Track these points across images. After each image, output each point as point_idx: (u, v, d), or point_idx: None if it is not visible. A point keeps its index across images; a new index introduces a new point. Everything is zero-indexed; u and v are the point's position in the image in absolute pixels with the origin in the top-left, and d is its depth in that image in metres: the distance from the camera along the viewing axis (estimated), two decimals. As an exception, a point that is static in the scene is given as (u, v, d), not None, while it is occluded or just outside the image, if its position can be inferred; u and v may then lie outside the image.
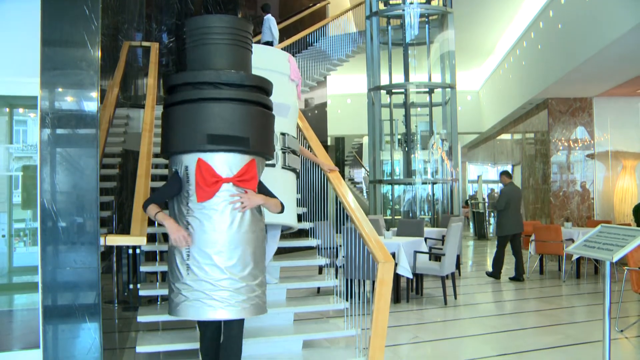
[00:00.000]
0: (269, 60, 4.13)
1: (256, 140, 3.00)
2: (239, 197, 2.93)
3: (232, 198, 2.92)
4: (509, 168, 14.97)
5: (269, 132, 3.16)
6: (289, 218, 4.12)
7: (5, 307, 4.98)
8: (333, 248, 5.87)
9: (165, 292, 3.89)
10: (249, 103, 3.02)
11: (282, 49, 10.51)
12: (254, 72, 3.82)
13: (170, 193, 3.01)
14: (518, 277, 8.34)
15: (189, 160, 2.95)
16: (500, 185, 9.02)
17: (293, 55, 10.97)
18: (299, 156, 4.36)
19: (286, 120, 4.19)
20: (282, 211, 3.20)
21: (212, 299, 2.87)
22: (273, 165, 3.99)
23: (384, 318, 3.76)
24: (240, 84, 3.03)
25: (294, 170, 4.25)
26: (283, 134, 4.12)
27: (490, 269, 9.02)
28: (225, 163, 2.94)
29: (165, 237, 3.95)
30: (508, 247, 8.63)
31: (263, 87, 3.17)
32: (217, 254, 2.89)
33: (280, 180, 4.03)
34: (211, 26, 3.07)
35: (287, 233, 4.69)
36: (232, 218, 2.92)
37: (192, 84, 3.01)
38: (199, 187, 2.91)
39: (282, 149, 4.09)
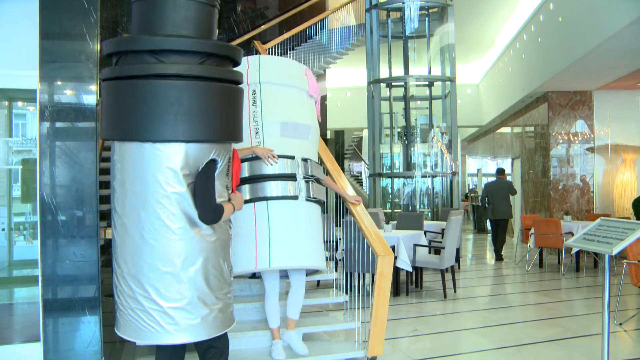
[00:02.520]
0: (284, 74, 3.57)
1: None
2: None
3: None
4: (508, 161, 14.98)
5: None
6: (316, 260, 3.48)
7: (6, 301, 4.98)
8: (333, 241, 5.88)
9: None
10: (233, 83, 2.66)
11: (281, 42, 10.56)
12: (269, 87, 3.48)
13: None
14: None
15: (227, 151, 2.59)
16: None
17: (292, 49, 10.97)
18: (323, 184, 3.74)
19: (307, 142, 3.56)
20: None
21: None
22: (295, 198, 3.39)
23: (383, 311, 3.77)
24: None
25: (318, 202, 3.59)
26: (305, 160, 3.49)
27: (493, 260, 9.95)
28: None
29: None
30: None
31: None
32: None
33: (304, 216, 3.43)
34: None
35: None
36: None
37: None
38: (234, 183, 2.63)
39: (304, 177, 3.45)
